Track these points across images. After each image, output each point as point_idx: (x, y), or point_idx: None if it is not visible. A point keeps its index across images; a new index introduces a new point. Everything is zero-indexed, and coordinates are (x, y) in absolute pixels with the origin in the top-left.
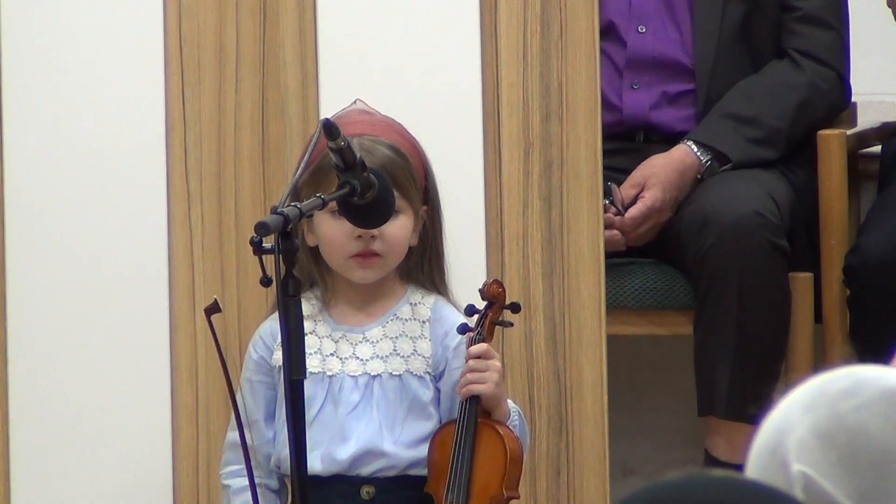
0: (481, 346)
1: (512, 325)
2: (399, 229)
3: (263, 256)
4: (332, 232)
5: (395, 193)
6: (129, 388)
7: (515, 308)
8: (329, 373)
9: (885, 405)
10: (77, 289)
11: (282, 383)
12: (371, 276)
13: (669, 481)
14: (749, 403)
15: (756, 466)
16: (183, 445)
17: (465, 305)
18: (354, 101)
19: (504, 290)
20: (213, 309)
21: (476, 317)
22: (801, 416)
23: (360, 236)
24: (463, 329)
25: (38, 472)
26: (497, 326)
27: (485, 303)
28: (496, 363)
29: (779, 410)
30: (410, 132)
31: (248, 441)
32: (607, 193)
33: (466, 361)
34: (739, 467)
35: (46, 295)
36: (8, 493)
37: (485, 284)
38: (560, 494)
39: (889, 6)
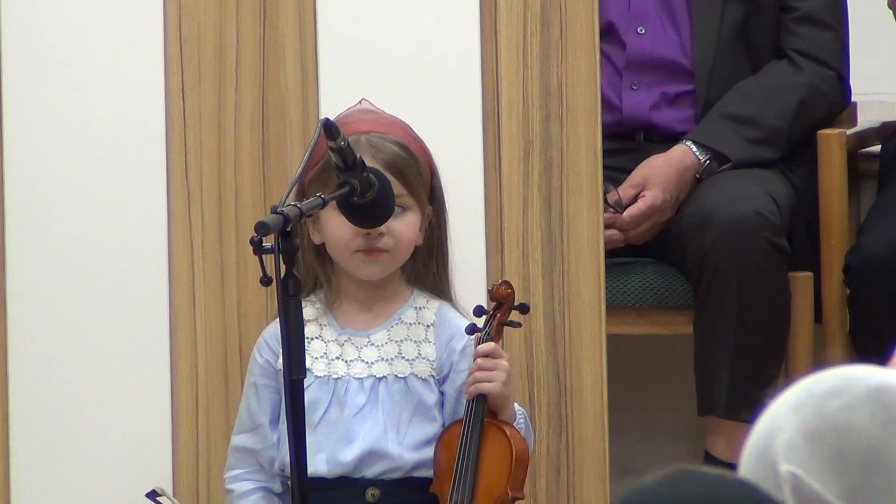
0: (489, 345)
1: (520, 325)
2: (407, 226)
3: (263, 256)
4: (339, 228)
5: (403, 191)
6: (129, 388)
7: (524, 309)
8: (334, 375)
9: (872, 403)
10: (77, 288)
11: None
12: (377, 273)
13: (659, 483)
14: (749, 403)
15: (746, 468)
16: (183, 445)
17: (465, 306)
18: (360, 101)
19: (513, 292)
20: (153, 494)
21: (484, 317)
22: (789, 417)
23: (368, 233)
24: (471, 329)
25: (38, 472)
26: (505, 327)
27: (493, 303)
28: (504, 363)
29: (768, 412)
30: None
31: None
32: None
33: (475, 360)
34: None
35: (47, 295)
36: (8, 493)
37: (493, 285)
38: (560, 494)
39: (890, 7)
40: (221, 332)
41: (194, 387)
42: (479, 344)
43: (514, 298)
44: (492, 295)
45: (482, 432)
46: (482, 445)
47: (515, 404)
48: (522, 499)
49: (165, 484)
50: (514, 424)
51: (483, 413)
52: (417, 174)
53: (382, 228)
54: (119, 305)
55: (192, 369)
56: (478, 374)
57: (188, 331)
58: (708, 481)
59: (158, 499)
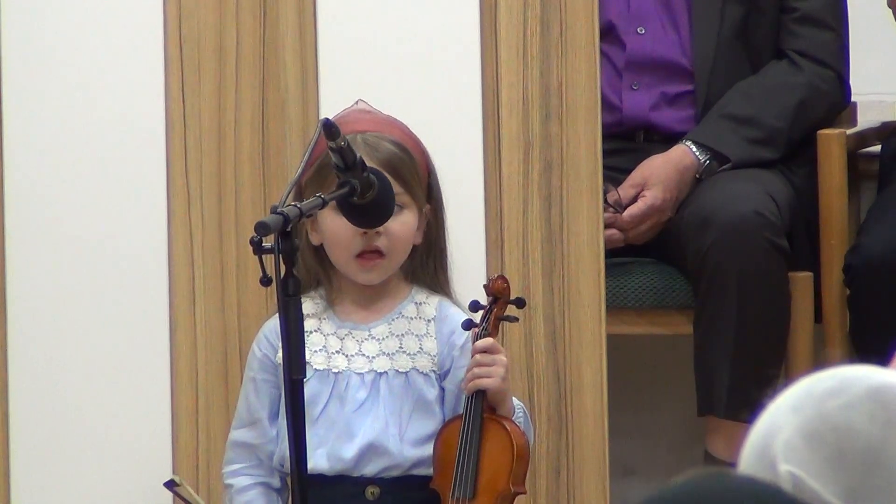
0: (487, 341)
1: (517, 319)
2: (403, 226)
3: (263, 256)
4: (336, 230)
5: (400, 189)
6: (129, 388)
7: (520, 303)
8: (335, 370)
9: (871, 403)
10: (77, 288)
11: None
12: (375, 278)
13: (681, 487)
14: (749, 403)
15: (745, 469)
16: (183, 445)
17: (465, 305)
18: (356, 102)
19: (509, 286)
20: (172, 483)
21: (481, 312)
22: (789, 417)
23: (364, 233)
24: (468, 325)
25: (38, 472)
26: (502, 322)
27: (489, 298)
28: (502, 357)
29: (767, 412)
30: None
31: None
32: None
33: (472, 356)
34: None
35: (46, 294)
36: (8, 493)
37: (490, 280)
38: (560, 494)
39: (889, 6)
40: (221, 332)
41: (194, 387)
42: (476, 339)
43: (510, 293)
44: (488, 290)
45: (482, 428)
46: (483, 441)
47: (514, 398)
48: (524, 493)
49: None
50: (514, 419)
51: (482, 408)
52: (414, 173)
53: (380, 228)
54: (119, 305)
55: (192, 369)
56: (476, 370)
57: (188, 331)
58: (732, 484)
59: (176, 488)
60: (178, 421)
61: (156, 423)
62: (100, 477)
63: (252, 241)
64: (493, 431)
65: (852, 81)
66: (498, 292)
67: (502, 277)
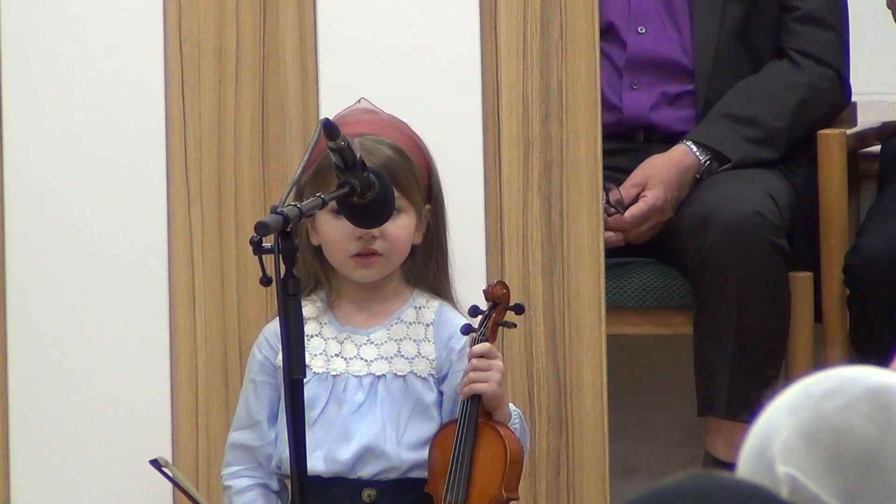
0: (484, 346)
1: (515, 326)
2: (400, 228)
3: (263, 256)
4: (333, 232)
5: (397, 193)
6: (129, 388)
7: (519, 309)
8: (333, 373)
9: (869, 404)
10: (77, 289)
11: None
12: (373, 276)
13: (671, 486)
14: (749, 403)
15: (744, 469)
16: (183, 445)
17: (465, 306)
18: (359, 100)
19: (508, 292)
20: (157, 463)
21: (479, 317)
22: (787, 418)
23: (360, 236)
24: (466, 329)
25: (38, 471)
26: (500, 327)
27: (488, 304)
28: (499, 363)
29: (766, 413)
30: (413, 130)
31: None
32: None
33: (469, 361)
34: None
35: (46, 295)
36: (8, 493)
37: (489, 285)
38: (560, 494)
39: (889, 7)
40: (221, 332)
41: (194, 387)
42: (473, 344)
43: (509, 299)
44: (487, 295)
45: (477, 433)
46: (477, 446)
47: (511, 405)
48: (517, 499)
49: (165, 484)
50: (510, 425)
51: (478, 413)
52: (411, 176)
53: (375, 232)
54: (119, 305)
55: (192, 369)
56: (472, 375)
57: (188, 331)
58: (723, 485)
59: (164, 469)
60: (178, 421)
61: (156, 423)
62: (100, 476)
63: (252, 241)
64: (487, 437)
65: (852, 81)
66: (497, 298)
67: (501, 283)
